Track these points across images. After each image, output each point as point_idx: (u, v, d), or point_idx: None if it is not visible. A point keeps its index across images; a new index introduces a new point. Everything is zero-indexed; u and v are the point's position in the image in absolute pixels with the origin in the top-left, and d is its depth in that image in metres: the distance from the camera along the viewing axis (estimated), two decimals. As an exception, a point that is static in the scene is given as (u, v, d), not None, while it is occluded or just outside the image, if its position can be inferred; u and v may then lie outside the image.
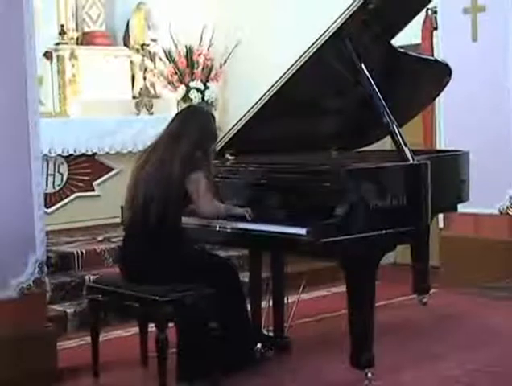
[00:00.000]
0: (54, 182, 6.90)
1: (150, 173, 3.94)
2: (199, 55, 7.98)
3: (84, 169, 7.09)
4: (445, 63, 5.03)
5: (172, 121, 4.11)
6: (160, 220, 3.88)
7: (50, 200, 6.74)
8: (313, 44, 4.17)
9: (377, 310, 3.99)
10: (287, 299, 4.57)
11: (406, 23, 4.58)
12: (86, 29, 7.75)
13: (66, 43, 7.48)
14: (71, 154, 6.92)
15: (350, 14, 4.08)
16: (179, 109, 4.41)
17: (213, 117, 4.20)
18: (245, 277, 4.57)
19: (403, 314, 5.43)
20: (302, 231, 3.70)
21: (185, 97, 7.92)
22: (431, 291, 5.67)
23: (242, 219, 4.06)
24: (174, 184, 3.88)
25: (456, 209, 5.26)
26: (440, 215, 6.12)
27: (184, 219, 4.08)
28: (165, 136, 4.04)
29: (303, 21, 7.04)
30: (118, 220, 4.69)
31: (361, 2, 4.06)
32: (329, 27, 4.13)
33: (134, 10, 7.93)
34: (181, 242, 4.01)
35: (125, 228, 4.19)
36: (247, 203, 4.14)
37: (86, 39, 7.72)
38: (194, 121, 4.05)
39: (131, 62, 7.90)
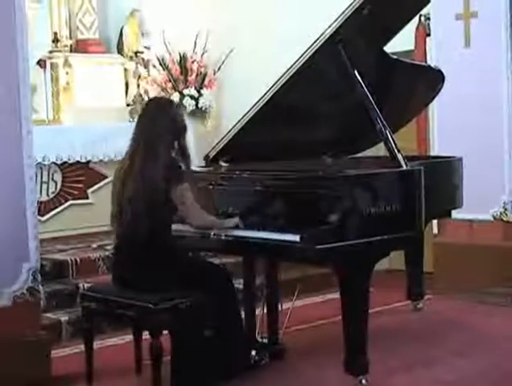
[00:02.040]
0: (48, 189, 6.88)
1: (134, 188, 3.90)
2: (192, 62, 7.97)
3: (78, 176, 7.07)
4: (438, 69, 5.05)
5: (141, 118, 4.10)
6: (150, 234, 3.87)
7: (44, 208, 6.72)
8: (307, 50, 4.17)
9: (371, 316, 3.99)
10: (281, 306, 4.57)
11: (399, 29, 4.59)
12: (80, 36, 7.75)
13: (60, 51, 7.48)
14: (65, 162, 6.90)
15: (344, 19, 4.09)
16: (144, 105, 4.43)
17: (176, 104, 4.16)
18: (239, 283, 4.56)
19: (397, 320, 5.42)
20: (296, 237, 3.70)
21: (179, 104, 7.92)
22: (425, 297, 5.69)
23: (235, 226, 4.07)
24: (159, 197, 3.86)
25: (449, 215, 5.28)
26: (434, 221, 6.12)
27: (179, 227, 4.09)
28: (140, 144, 3.99)
29: (298, 27, 7.04)
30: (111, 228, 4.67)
31: (355, 8, 4.07)
32: (323, 33, 4.14)
33: (127, 17, 7.94)
34: (174, 251, 4.00)
35: (115, 244, 4.16)
36: (241, 210, 4.14)
37: (80, 47, 7.73)
38: (163, 119, 4.00)
39: (125, 69, 7.90)
